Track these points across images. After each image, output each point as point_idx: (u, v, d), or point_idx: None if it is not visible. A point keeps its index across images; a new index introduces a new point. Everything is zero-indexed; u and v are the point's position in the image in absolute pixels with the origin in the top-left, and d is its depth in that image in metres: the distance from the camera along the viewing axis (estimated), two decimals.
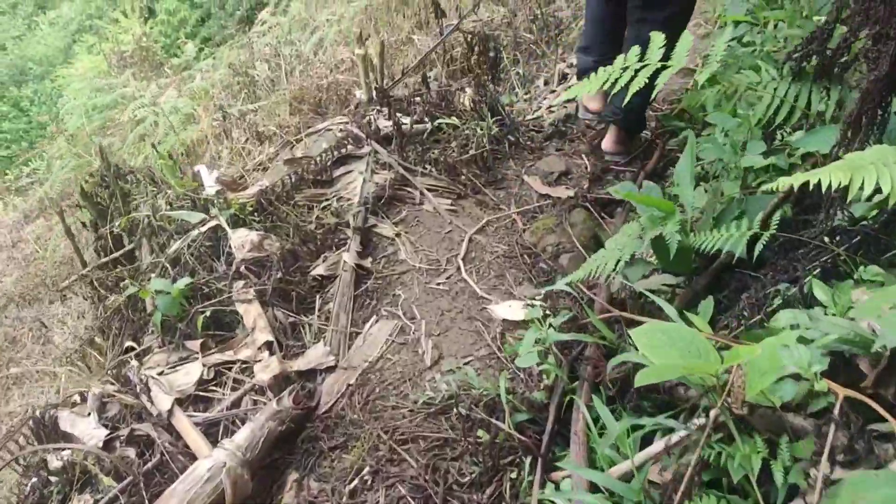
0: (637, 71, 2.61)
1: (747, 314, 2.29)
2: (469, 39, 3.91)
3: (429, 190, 3.51)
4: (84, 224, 3.74)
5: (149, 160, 5.73)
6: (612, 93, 3.28)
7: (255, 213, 3.23)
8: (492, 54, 4.08)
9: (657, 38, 2.66)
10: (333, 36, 6.85)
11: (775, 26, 4.31)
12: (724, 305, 2.53)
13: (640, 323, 1.99)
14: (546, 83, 5.30)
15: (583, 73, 3.75)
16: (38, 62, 13.22)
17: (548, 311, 2.59)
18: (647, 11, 3.30)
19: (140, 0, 12.75)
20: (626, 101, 2.70)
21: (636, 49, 2.63)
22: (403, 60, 5.90)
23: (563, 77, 4.75)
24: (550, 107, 4.51)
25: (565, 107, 4.45)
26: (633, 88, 2.57)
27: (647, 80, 3.06)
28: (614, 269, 2.52)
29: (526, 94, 5.37)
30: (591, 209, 3.35)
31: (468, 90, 4.91)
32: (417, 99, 4.07)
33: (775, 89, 2.65)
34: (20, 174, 9.44)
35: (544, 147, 4.11)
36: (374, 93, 4.09)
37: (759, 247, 2.30)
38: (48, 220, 7.97)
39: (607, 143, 3.85)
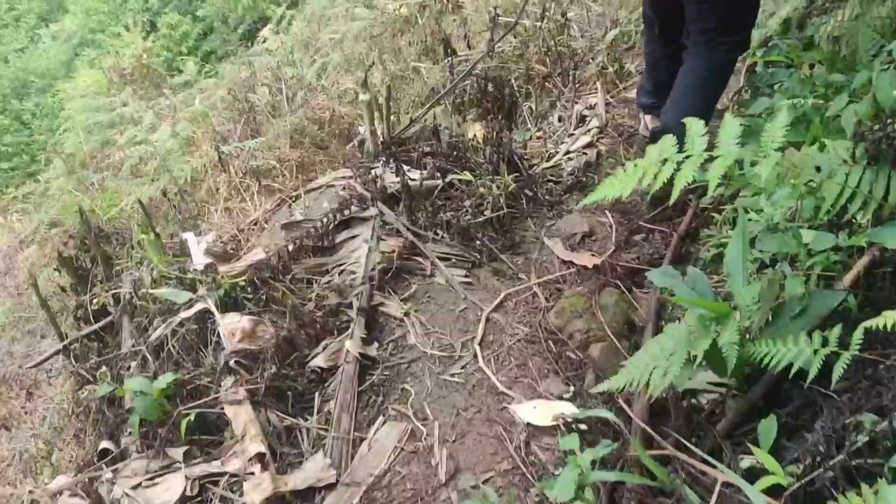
0: (679, 164, 2.22)
1: (823, 449, 1.89)
2: (482, 84, 3.52)
3: (441, 258, 3.10)
4: (63, 289, 3.34)
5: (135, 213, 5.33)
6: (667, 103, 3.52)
7: (249, 290, 2.83)
8: (507, 100, 3.67)
9: (696, 126, 2.28)
10: (336, 61, 6.44)
11: (811, 67, 3.91)
12: (790, 426, 2.13)
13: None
14: (560, 120, 4.89)
15: (641, 107, 3.86)
16: (41, 75, 12.82)
17: (583, 430, 2.20)
18: (719, 34, 3.26)
19: (142, 14, 12.36)
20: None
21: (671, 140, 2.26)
22: (410, 93, 5.49)
23: (581, 119, 4.34)
24: (569, 152, 4.10)
25: (584, 153, 4.04)
26: (679, 184, 2.17)
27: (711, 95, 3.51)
28: (660, 383, 2.12)
29: (538, 130, 4.96)
30: (622, 286, 2.95)
31: (479, 133, 4.52)
32: (427, 148, 3.66)
33: (847, 175, 2.24)
34: (17, 195, 9.06)
35: (564, 201, 3.71)
36: (381, 146, 3.68)
37: (838, 370, 1.89)
38: (43, 248, 7.58)
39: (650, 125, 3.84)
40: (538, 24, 5.45)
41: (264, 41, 9.56)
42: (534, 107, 5.07)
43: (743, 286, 2.30)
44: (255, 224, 3.61)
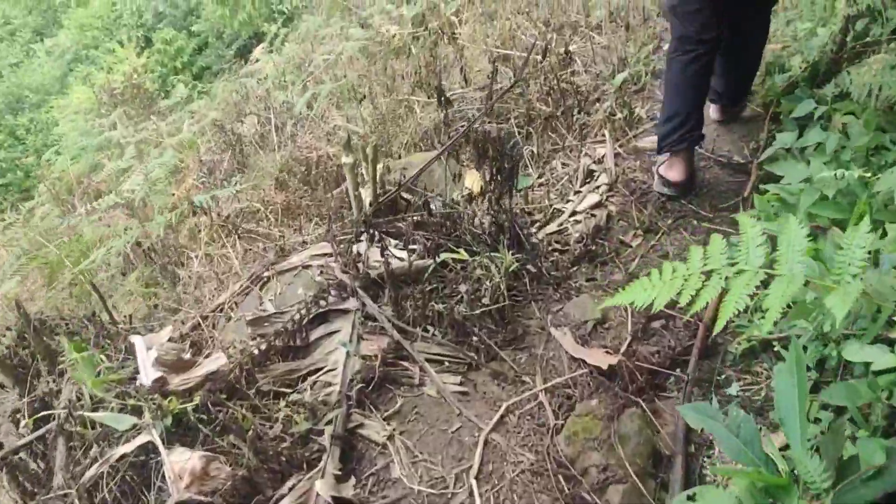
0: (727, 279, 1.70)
1: None
2: (480, 144, 2.99)
3: (431, 361, 2.57)
4: (2, 385, 2.81)
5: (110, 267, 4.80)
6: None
7: (203, 410, 2.30)
8: (508, 158, 3.14)
9: (752, 230, 1.78)
10: (327, 91, 5.89)
11: (844, 118, 3.38)
12: None
13: None
14: (564, 166, 4.36)
15: (671, 145, 3.43)
16: (35, 90, 12.26)
17: None
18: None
19: (136, 30, 11.79)
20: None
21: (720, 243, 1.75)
22: (403, 131, 4.95)
23: (589, 174, 3.80)
24: (575, 213, 3.57)
25: (593, 214, 3.51)
26: (727, 312, 1.64)
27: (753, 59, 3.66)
28: None
29: (540, 177, 4.42)
30: (643, 404, 2.42)
31: (476, 184, 3.99)
32: (418, 217, 3.13)
33: None
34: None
35: (572, 275, 3.17)
36: (364, 217, 3.14)
37: None
38: (24, 282, 7.04)
39: (713, 114, 3.93)
40: (538, 57, 4.92)
41: (256, 61, 9.03)
42: (536, 150, 4.54)
43: (802, 447, 1.76)
44: (221, 311, 3.08)
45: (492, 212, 3.06)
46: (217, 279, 4.57)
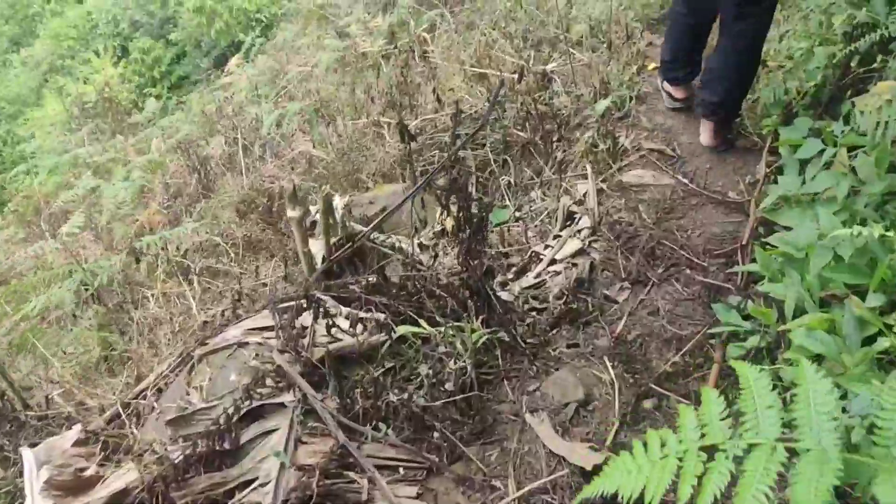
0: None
1: None
2: (443, 197, 2.50)
3: (383, 468, 2.10)
4: None
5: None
6: (705, 79, 3.41)
7: None
8: (477, 211, 2.66)
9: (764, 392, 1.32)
10: (294, 111, 5.39)
11: (852, 151, 2.92)
12: None
13: None
14: (543, 198, 3.89)
15: (668, 76, 3.75)
16: (11, 101, 11.68)
17: None
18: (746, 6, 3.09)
19: (112, 39, 11.23)
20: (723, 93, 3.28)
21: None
22: (373, 158, 4.46)
23: (570, 217, 3.33)
24: (554, 261, 3.10)
25: (574, 264, 3.04)
26: None
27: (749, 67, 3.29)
28: None
29: (517, 210, 3.95)
30: None
31: (449, 223, 3.50)
32: (374, 279, 2.66)
33: None
34: None
35: (551, 340, 2.70)
36: (312, 284, 2.66)
37: None
38: None
39: (704, 138, 3.56)
40: (514, 76, 4.44)
41: (230, 74, 8.52)
42: (513, 180, 4.07)
43: None
44: (145, 396, 2.59)
45: (461, 274, 2.58)
46: (172, 324, 4.11)
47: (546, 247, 3.20)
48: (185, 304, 4.26)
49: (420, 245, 3.67)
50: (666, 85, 3.81)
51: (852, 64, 3.15)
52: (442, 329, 2.45)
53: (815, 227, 2.43)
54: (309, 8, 9.20)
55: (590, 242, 3.13)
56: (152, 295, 4.41)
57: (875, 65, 3.09)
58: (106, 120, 8.87)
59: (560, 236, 3.20)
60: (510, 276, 3.29)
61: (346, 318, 2.50)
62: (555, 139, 4.05)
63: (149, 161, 6.53)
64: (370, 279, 2.62)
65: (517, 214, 3.89)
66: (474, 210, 2.60)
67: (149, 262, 4.69)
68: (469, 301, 2.58)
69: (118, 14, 11.26)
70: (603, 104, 3.65)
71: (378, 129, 4.83)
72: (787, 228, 2.65)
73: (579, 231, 3.16)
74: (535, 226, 3.69)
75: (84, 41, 11.24)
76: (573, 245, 3.10)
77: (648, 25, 5.16)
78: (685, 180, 3.40)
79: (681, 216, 3.26)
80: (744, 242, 2.93)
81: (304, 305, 2.54)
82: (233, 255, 4.48)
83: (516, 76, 4.29)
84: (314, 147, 4.84)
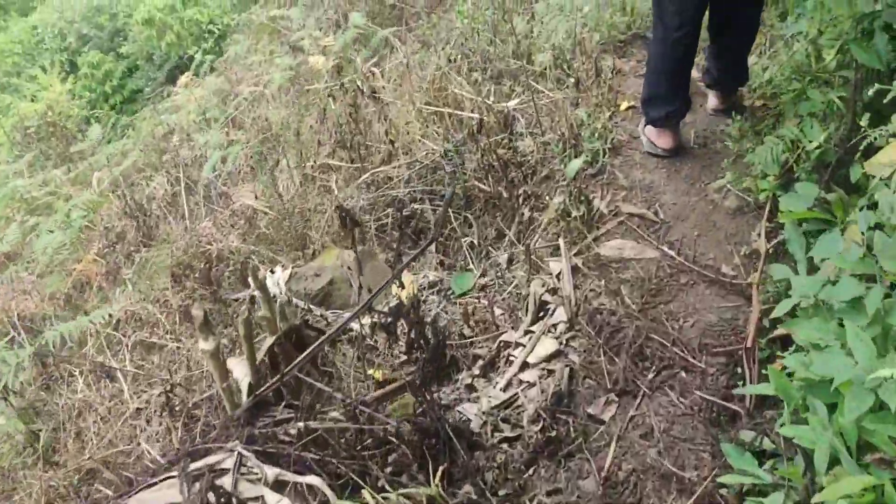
0: None
1: None
2: (390, 326, 1.89)
3: None
4: None
5: None
6: (723, 64, 3.15)
7: None
8: (435, 347, 2.07)
9: None
10: (237, 153, 4.74)
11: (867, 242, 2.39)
12: None
13: None
14: (510, 263, 3.32)
15: (657, 121, 3.16)
16: None
17: None
18: None
19: (60, 54, 10.38)
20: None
21: None
22: (319, 214, 3.83)
23: (542, 307, 2.75)
24: (526, 365, 2.53)
25: (550, 371, 2.48)
26: None
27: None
28: None
29: (482, 275, 3.37)
30: None
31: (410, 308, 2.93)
32: (312, 423, 2.07)
33: None
34: None
35: (527, 485, 2.14)
36: (234, 429, 2.07)
37: None
38: None
39: (714, 103, 3.37)
40: (472, 117, 3.85)
41: (177, 95, 7.83)
42: (477, 241, 3.49)
43: None
44: None
45: (415, 415, 2.01)
46: (99, 415, 3.53)
47: (517, 345, 2.63)
48: (116, 385, 3.65)
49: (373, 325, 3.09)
50: (649, 130, 3.23)
51: (861, 122, 2.60)
52: (392, 495, 1.87)
53: (846, 360, 1.89)
54: (261, 21, 8.50)
55: (567, 340, 2.57)
56: (80, 372, 3.80)
57: (890, 125, 2.53)
58: (50, 144, 8.10)
59: (532, 332, 2.63)
60: (476, 371, 2.73)
61: (276, 481, 1.92)
62: (520, 192, 3.48)
63: (89, 199, 5.84)
64: (305, 424, 2.03)
65: (482, 281, 3.32)
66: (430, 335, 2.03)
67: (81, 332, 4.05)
68: (425, 447, 2.01)
69: (65, 27, 10.40)
70: (574, 165, 3.06)
71: (326, 175, 4.21)
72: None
73: (554, 326, 2.60)
74: (503, 298, 3.12)
75: (30, 56, 10.37)
76: (548, 345, 2.54)
77: (616, 49, 4.58)
78: (671, 252, 2.85)
79: (670, 299, 2.71)
80: (748, 344, 2.38)
81: (220, 465, 1.95)
82: (169, 327, 3.86)
83: (475, 123, 3.70)
84: (257, 198, 4.21)
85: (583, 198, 3.01)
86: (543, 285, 2.73)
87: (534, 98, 3.83)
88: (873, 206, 2.51)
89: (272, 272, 3.46)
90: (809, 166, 2.68)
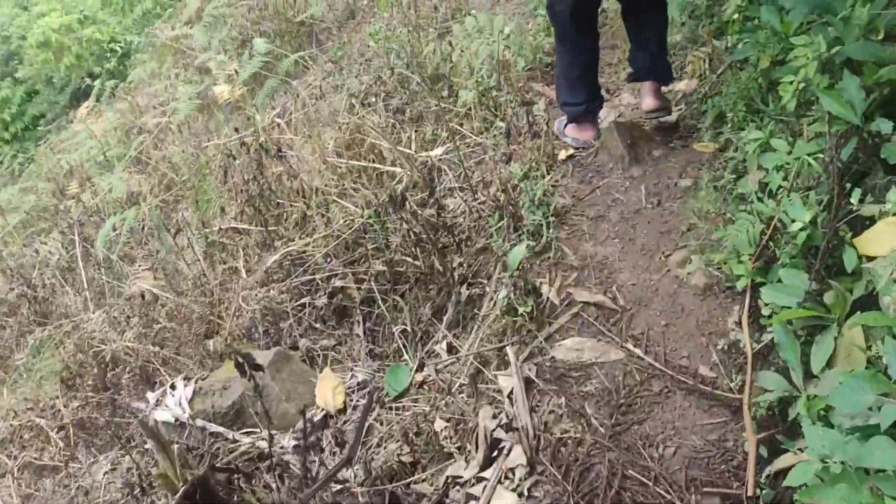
0: None
1: None
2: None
3: None
4: None
5: None
6: (634, 51, 3.01)
7: None
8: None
9: None
10: (132, 219, 3.97)
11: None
12: None
13: None
14: (450, 352, 2.72)
15: (577, 117, 3.05)
16: None
17: None
18: None
19: None
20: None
21: None
22: (227, 305, 3.13)
23: (493, 445, 2.16)
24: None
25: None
26: None
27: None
28: None
29: (420, 368, 2.76)
30: None
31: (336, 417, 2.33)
32: None
33: None
34: None
35: None
36: None
37: None
38: None
39: (648, 103, 3.01)
40: (393, 171, 3.22)
41: (76, 131, 6.90)
42: (410, 327, 2.87)
43: None
44: None
45: None
46: None
47: (469, 497, 2.04)
48: None
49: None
50: (570, 128, 3.13)
51: (852, 200, 2.06)
52: None
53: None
54: (163, 41, 7.56)
55: (529, 489, 1.99)
56: None
57: (889, 203, 2.00)
58: None
59: (485, 479, 2.04)
60: None
61: None
62: (455, 265, 2.87)
63: None
64: None
65: (420, 376, 2.71)
66: None
67: None
68: None
69: None
70: (516, 254, 2.45)
71: (234, 241, 3.50)
72: None
73: (511, 470, 2.01)
74: (446, 404, 2.52)
75: None
76: (506, 499, 1.95)
77: (544, 74, 3.99)
78: (638, 351, 2.29)
79: (644, 416, 2.15)
80: (749, 492, 1.84)
81: None
82: (61, 444, 3.14)
83: (397, 182, 3.06)
84: (155, 278, 3.47)
85: (529, 289, 2.42)
86: (494, 416, 2.13)
87: (458, 147, 3.21)
88: (869, 295, 2.02)
89: (173, 387, 2.77)
90: (794, 251, 2.14)
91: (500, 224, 2.75)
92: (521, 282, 2.43)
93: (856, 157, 2.32)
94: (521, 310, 2.38)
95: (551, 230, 2.63)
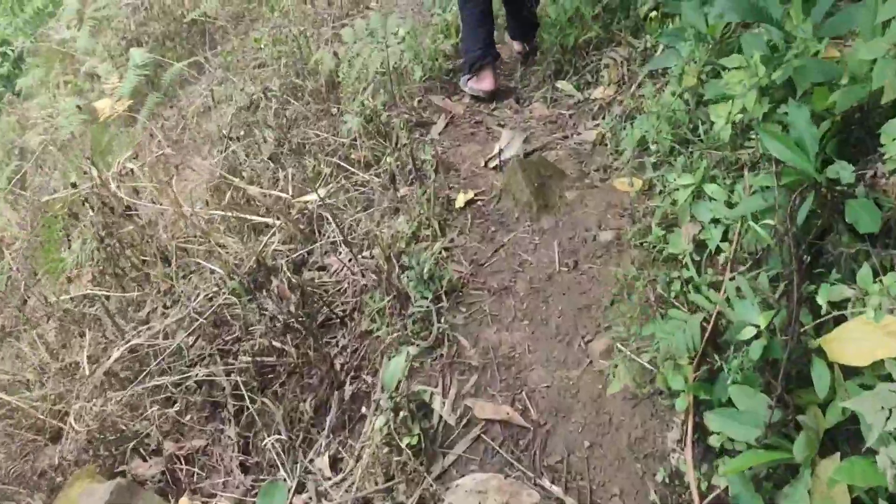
0: None
1: None
2: None
3: None
4: None
5: None
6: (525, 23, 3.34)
7: None
8: None
9: None
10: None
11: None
12: None
13: None
14: (336, 464, 2.03)
15: (475, 63, 3.07)
16: None
17: None
18: None
19: None
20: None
21: None
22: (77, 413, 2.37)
23: None
24: None
25: None
26: None
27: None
28: None
29: (300, 490, 2.07)
30: None
31: None
32: None
33: None
34: None
35: None
36: None
37: None
38: None
39: (517, 48, 3.44)
40: (267, 221, 2.46)
41: None
42: (285, 433, 2.17)
43: None
44: None
45: None
46: None
47: None
48: None
49: None
50: (472, 81, 3.12)
51: (819, 301, 1.42)
52: None
53: None
54: (49, 46, 6.49)
55: None
56: None
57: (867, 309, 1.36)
58: None
59: None
60: None
61: None
62: (336, 351, 2.17)
63: None
64: None
65: (300, 501, 2.02)
66: None
67: None
68: None
69: None
70: (394, 368, 1.75)
71: (89, 310, 2.72)
72: None
73: None
74: None
75: None
76: None
77: (444, 85, 3.25)
78: (556, 489, 1.64)
79: None
80: None
81: None
82: None
83: (272, 233, 2.31)
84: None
85: (415, 408, 1.73)
86: None
87: (342, 187, 2.47)
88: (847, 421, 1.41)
89: None
90: (746, 363, 1.49)
91: (382, 304, 2.04)
92: (405, 401, 1.74)
93: (814, 210, 1.67)
94: (404, 442, 1.69)
95: (443, 318, 1.93)
